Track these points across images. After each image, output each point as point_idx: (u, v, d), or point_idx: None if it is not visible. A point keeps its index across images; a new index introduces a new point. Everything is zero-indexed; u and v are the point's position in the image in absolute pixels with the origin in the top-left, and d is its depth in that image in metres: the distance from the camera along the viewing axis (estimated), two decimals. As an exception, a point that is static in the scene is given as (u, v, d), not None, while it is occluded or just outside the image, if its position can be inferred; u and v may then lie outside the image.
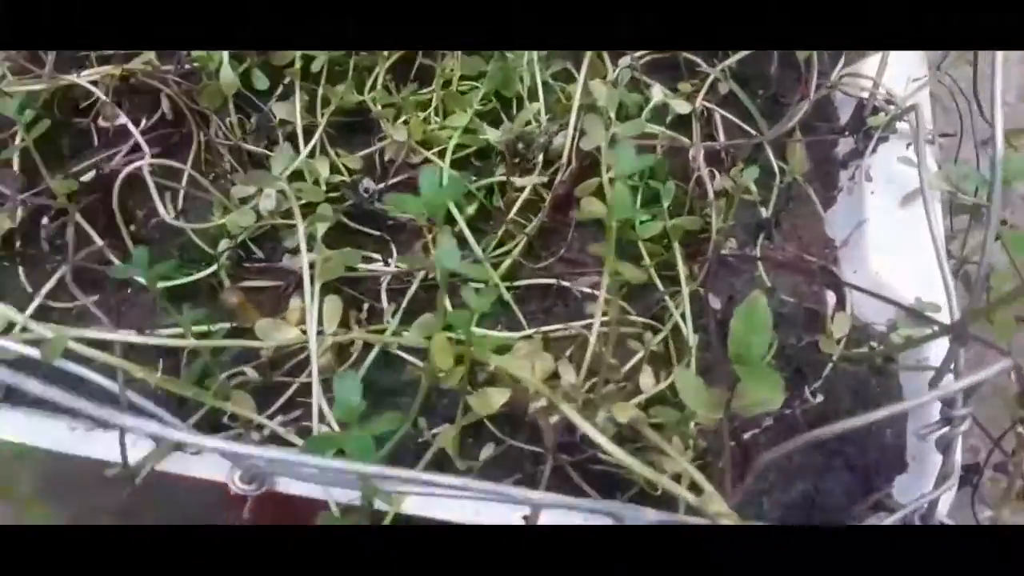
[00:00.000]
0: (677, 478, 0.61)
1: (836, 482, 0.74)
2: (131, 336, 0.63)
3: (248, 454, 0.47)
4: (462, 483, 0.49)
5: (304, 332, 0.69)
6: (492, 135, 0.82)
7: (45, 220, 0.80)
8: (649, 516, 0.51)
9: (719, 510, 0.51)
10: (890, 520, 0.64)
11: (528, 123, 0.86)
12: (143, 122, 0.85)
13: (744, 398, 0.51)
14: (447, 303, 0.69)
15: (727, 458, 0.55)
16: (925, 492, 0.70)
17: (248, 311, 0.72)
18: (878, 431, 0.75)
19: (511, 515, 0.68)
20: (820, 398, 0.74)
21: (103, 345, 0.61)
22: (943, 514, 0.68)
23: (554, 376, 0.72)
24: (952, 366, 0.61)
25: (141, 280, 0.73)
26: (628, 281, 0.78)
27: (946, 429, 0.62)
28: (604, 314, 0.65)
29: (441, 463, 0.72)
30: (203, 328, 0.76)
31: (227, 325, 0.75)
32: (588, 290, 0.80)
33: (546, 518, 0.68)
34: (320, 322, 0.71)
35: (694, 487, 0.54)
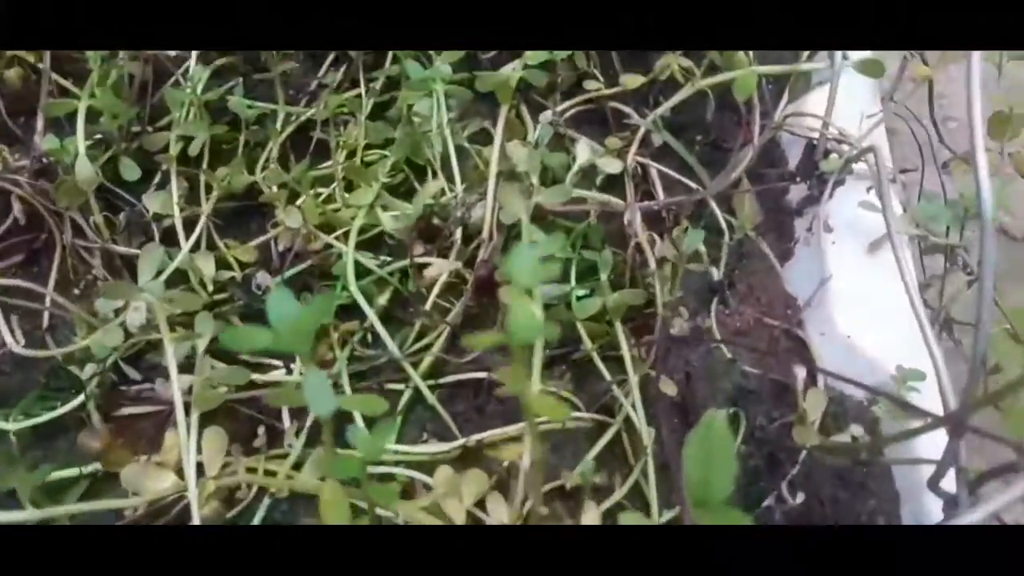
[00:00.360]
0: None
1: (828, 586, 0.63)
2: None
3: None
4: None
5: (182, 477, 0.58)
6: (388, 223, 0.71)
7: None
8: None
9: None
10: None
11: (441, 195, 0.76)
12: (-6, 233, 0.73)
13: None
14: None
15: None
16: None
17: (115, 452, 0.60)
18: (869, 521, 0.65)
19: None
20: (800, 497, 0.63)
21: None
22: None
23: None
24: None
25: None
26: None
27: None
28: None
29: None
30: (71, 473, 0.64)
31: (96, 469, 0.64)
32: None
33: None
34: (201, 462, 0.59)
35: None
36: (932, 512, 0.62)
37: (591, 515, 0.53)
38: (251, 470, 0.60)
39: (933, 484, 0.52)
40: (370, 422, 0.62)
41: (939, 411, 0.51)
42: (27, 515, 0.51)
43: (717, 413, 0.41)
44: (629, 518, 0.41)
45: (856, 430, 0.63)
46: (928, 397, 0.64)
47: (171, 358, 0.59)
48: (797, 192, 0.82)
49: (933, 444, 0.58)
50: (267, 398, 0.63)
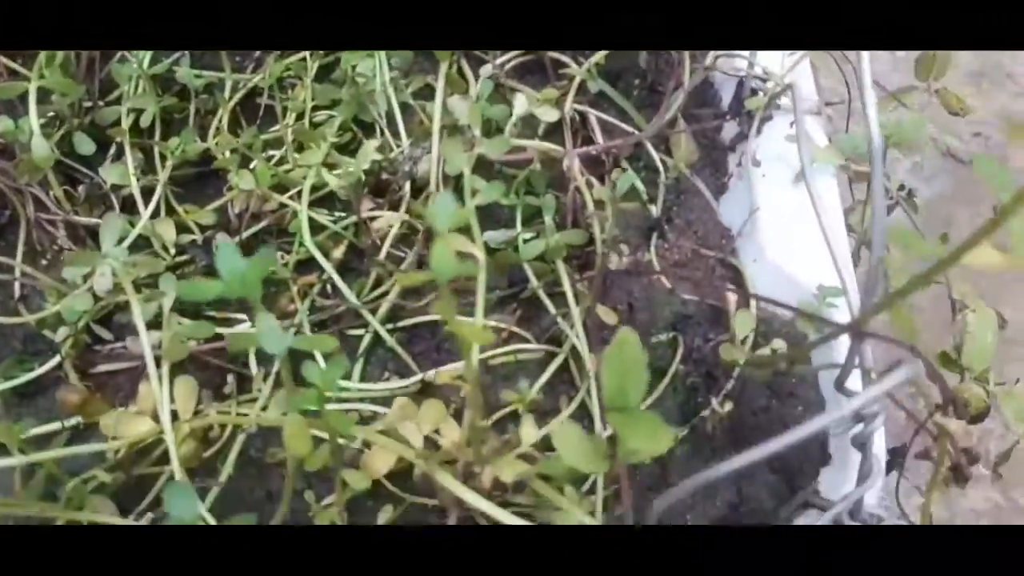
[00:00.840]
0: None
1: (760, 486, 0.69)
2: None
3: None
4: None
5: (157, 421, 0.62)
6: (332, 180, 0.75)
7: None
8: None
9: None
10: (821, 520, 0.60)
11: (389, 151, 0.79)
12: (-44, 210, 0.75)
13: (629, 446, 0.45)
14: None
15: (626, 504, 0.50)
16: (851, 486, 0.67)
17: (93, 405, 0.64)
18: (796, 423, 0.71)
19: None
20: (730, 406, 0.69)
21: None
22: (872, 506, 0.65)
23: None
24: (858, 361, 0.56)
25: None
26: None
27: (860, 427, 0.58)
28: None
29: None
30: (54, 426, 0.68)
31: (77, 421, 0.68)
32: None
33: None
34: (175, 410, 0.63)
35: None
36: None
37: (528, 428, 0.58)
38: (223, 414, 0.64)
39: (839, 384, 0.57)
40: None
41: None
42: (15, 460, 0.55)
43: (629, 331, 0.46)
44: (561, 428, 0.46)
45: (778, 344, 0.69)
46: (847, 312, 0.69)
47: (138, 316, 0.63)
48: (731, 129, 0.87)
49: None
50: (229, 344, 0.67)
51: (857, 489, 0.59)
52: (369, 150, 0.74)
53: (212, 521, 0.60)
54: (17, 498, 0.57)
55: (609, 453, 0.47)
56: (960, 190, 1.80)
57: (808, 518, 0.66)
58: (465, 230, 0.67)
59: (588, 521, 0.48)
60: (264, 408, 0.67)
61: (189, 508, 0.44)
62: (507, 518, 0.47)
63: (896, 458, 0.69)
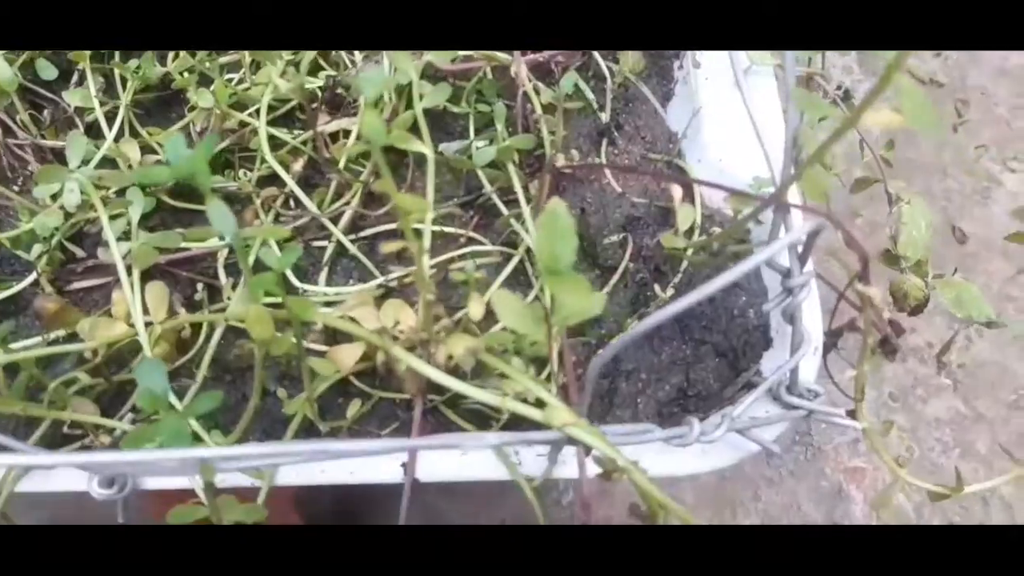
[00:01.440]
0: (519, 396, 0.60)
1: (707, 371, 0.74)
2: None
3: (95, 462, 0.44)
4: (317, 447, 0.48)
5: (132, 326, 0.66)
6: (283, 84, 0.77)
7: None
8: (489, 439, 0.50)
9: (565, 420, 0.50)
10: (755, 394, 0.64)
11: (344, 68, 0.82)
12: (-76, 135, 0.77)
13: (563, 310, 0.49)
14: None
15: (568, 369, 0.54)
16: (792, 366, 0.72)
17: (69, 314, 0.67)
18: (741, 314, 0.75)
19: (389, 465, 0.66)
20: (671, 292, 0.73)
21: None
22: (810, 382, 0.69)
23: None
24: (781, 235, 0.60)
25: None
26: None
27: (789, 299, 0.63)
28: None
29: (311, 428, 0.69)
30: (37, 339, 0.71)
31: (57, 336, 0.71)
32: (436, 228, 0.77)
33: (423, 462, 0.67)
34: (147, 312, 0.67)
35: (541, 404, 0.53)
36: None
37: (475, 306, 0.61)
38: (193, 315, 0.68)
39: (769, 262, 0.61)
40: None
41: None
42: (-3, 359, 0.58)
43: (558, 201, 0.49)
44: (500, 296, 0.50)
45: (714, 231, 0.73)
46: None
47: (107, 226, 0.66)
48: (676, 38, 0.89)
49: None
50: (187, 235, 0.70)
51: (790, 360, 0.64)
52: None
53: (177, 404, 0.64)
54: (2, 397, 0.60)
55: (544, 316, 0.51)
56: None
57: (751, 397, 0.71)
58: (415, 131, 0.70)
59: (531, 384, 0.52)
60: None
61: (159, 381, 0.48)
62: (462, 387, 0.51)
63: (831, 336, 0.73)
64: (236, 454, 0.51)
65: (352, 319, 0.63)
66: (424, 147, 0.59)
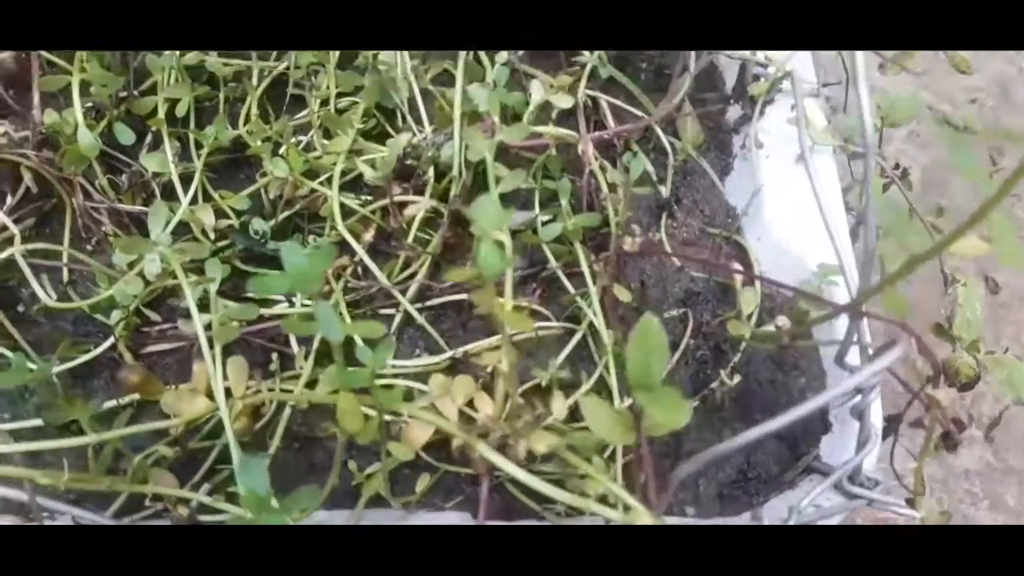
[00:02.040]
0: (602, 497, 0.61)
1: (766, 453, 0.75)
2: (29, 445, 0.60)
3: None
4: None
5: (213, 400, 0.67)
6: (368, 172, 0.79)
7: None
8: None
9: (647, 524, 0.52)
10: (822, 487, 0.66)
11: (412, 136, 0.83)
12: (8, 199, 0.79)
13: (652, 420, 0.51)
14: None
15: (648, 473, 0.55)
16: (851, 452, 0.73)
17: (151, 384, 0.69)
18: (800, 397, 0.77)
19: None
20: (738, 378, 0.74)
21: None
22: (870, 471, 0.71)
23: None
24: (855, 338, 0.62)
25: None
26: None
27: (858, 398, 0.64)
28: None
29: (380, 499, 0.71)
30: (111, 404, 0.73)
31: (133, 399, 0.73)
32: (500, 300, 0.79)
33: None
34: (228, 387, 0.69)
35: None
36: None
37: (558, 403, 0.63)
38: (275, 391, 0.70)
39: (839, 360, 0.63)
40: (370, 343, 0.71)
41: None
42: (88, 439, 0.60)
43: (651, 316, 0.51)
44: (589, 402, 0.51)
45: (781, 320, 0.74)
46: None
47: (191, 300, 0.68)
48: (734, 112, 0.91)
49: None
50: (283, 326, 0.72)
51: (855, 456, 0.65)
52: (401, 141, 0.79)
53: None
54: (90, 473, 0.62)
55: (632, 425, 0.52)
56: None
57: (811, 482, 0.72)
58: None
59: (613, 488, 0.53)
60: (308, 384, 0.72)
61: (261, 481, 0.50)
62: (542, 486, 0.53)
63: (892, 424, 0.74)
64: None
65: (428, 401, 0.65)
66: (506, 237, 0.60)
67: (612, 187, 0.79)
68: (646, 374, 0.50)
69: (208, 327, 0.71)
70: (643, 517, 0.52)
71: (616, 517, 0.53)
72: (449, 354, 0.76)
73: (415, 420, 0.66)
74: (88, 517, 0.62)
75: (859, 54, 0.57)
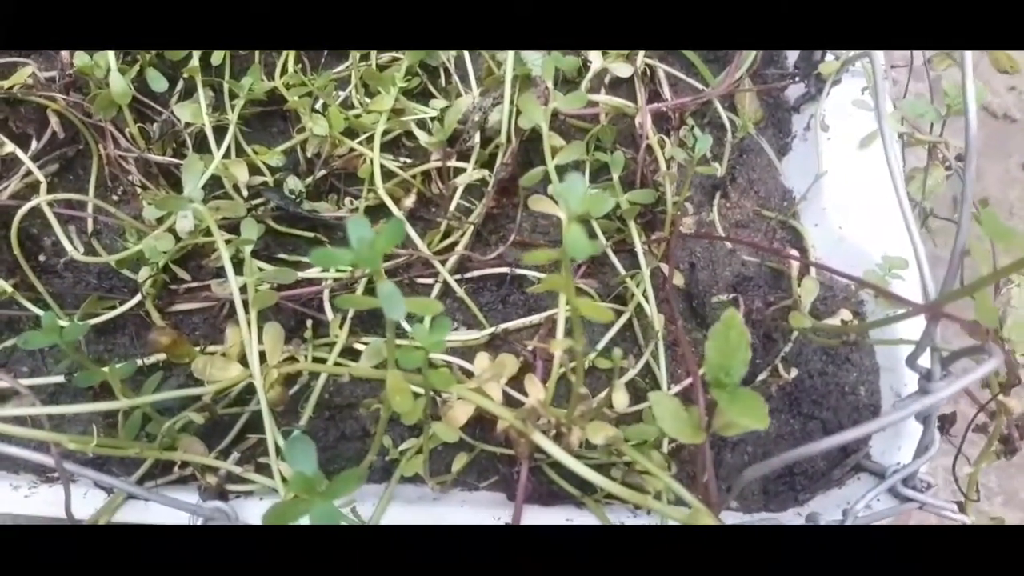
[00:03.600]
0: (659, 493, 0.59)
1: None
2: (60, 408, 0.57)
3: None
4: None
5: (245, 366, 0.64)
6: (422, 136, 0.75)
7: (-63, 268, 0.72)
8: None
9: (706, 523, 0.49)
10: (878, 490, 0.63)
11: (457, 96, 0.79)
12: (33, 144, 0.75)
13: (725, 420, 0.48)
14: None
15: (710, 473, 0.52)
16: (903, 451, 0.70)
17: (181, 347, 0.66)
18: (852, 391, 0.74)
19: (490, 521, 0.66)
20: (794, 372, 0.71)
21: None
22: (922, 473, 0.68)
23: (521, 373, 0.69)
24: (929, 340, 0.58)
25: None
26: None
27: (924, 400, 0.61)
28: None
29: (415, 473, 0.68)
30: (137, 363, 0.70)
31: (158, 359, 0.70)
32: (544, 275, 0.76)
33: (527, 522, 0.66)
34: (262, 352, 0.65)
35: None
36: (908, 384, 0.71)
37: (619, 394, 0.60)
38: (314, 361, 0.67)
39: (911, 361, 0.60)
40: (412, 317, 0.68)
41: (918, 297, 0.58)
42: (120, 404, 0.57)
43: (735, 312, 0.48)
44: (658, 397, 0.48)
45: (845, 315, 0.71)
46: (909, 283, 0.71)
47: (227, 261, 0.64)
48: (795, 90, 0.87)
49: (910, 324, 0.66)
50: (338, 303, 0.69)
51: (916, 461, 0.62)
52: (461, 106, 0.75)
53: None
54: (118, 439, 0.59)
55: (702, 425, 0.49)
56: (991, 145, 1.79)
57: (861, 482, 0.69)
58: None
59: (675, 486, 0.51)
60: (342, 353, 0.69)
61: (309, 461, 0.47)
62: (600, 479, 0.50)
63: (944, 425, 0.72)
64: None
65: (477, 383, 0.62)
66: (562, 212, 0.57)
67: (669, 163, 0.75)
68: (726, 373, 0.47)
69: (242, 290, 0.67)
70: (704, 516, 0.50)
71: (675, 515, 0.50)
72: (490, 330, 0.72)
73: (459, 400, 0.64)
74: (114, 483, 0.60)
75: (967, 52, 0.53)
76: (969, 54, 0.50)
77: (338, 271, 0.75)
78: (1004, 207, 1.83)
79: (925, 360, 0.61)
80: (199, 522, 0.61)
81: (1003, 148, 1.78)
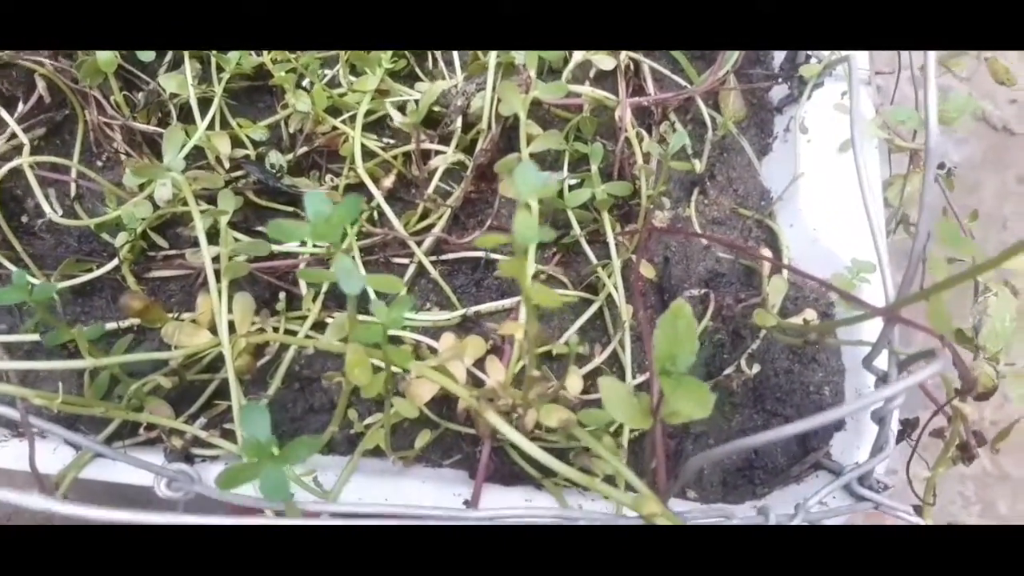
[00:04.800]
0: (610, 478, 0.60)
1: (775, 444, 0.73)
2: (26, 363, 0.58)
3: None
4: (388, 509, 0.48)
5: (215, 334, 0.65)
6: (397, 117, 0.76)
7: (-83, 223, 0.73)
8: (594, 518, 0.50)
9: (653, 511, 0.50)
10: (832, 486, 0.64)
11: (441, 94, 0.79)
12: (19, 106, 0.76)
13: (672, 407, 0.48)
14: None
15: (660, 459, 0.53)
16: (862, 451, 0.71)
17: (153, 312, 0.67)
18: (816, 390, 0.75)
19: (450, 499, 0.67)
20: (757, 367, 0.72)
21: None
22: (880, 475, 0.69)
23: (488, 356, 0.70)
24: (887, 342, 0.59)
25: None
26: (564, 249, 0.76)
27: (880, 403, 0.62)
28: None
29: (376, 448, 0.69)
30: (111, 326, 0.71)
31: (133, 323, 0.71)
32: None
33: (486, 501, 0.67)
34: (231, 322, 0.66)
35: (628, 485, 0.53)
36: (870, 386, 0.71)
37: (574, 379, 0.61)
38: (280, 332, 0.68)
39: (867, 362, 0.60)
40: (384, 295, 0.69)
41: (880, 302, 0.59)
42: (86, 363, 0.58)
43: (684, 303, 0.48)
44: (607, 383, 0.49)
45: (809, 314, 0.71)
46: (876, 287, 0.72)
47: (200, 230, 0.65)
48: (779, 91, 0.87)
49: (874, 327, 0.66)
50: (299, 275, 0.70)
51: (871, 460, 0.63)
52: (436, 90, 0.75)
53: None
54: (84, 398, 0.60)
55: (650, 410, 0.50)
56: (990, 157, 1.80)
57: (817, 479, 0.70)
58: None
59: (623, 471, 0.52)
60: (314, 327, 0.70)
61: (263, 428, 0.48)
62: (551, 461, 0.51)
63: (906, 429, 0.72)
64: (323, 508, 0.51)
65: (439, 362, 0.63)
66: (534, 202, 0.58)
67: (647, 157, 0.76)
68: (672, 360, 0.47)
69: (216, 260, 0.68)
70: (650, 502, 0.51)
71: (623, 499, 0.51)
72: (460, 312, 0.73)
73: (422, 377, 0.64)
74: (81, 441, 0.61)
75: (930, 55, 0.54)
76: (932, 59, 0.51)
77: (315, 246, 0.76)
78: (998, 220, 1.83)
79: (883, 363, 0.62)
80: (163, 483, 0.62)
81: (1001, 161, 1.78)
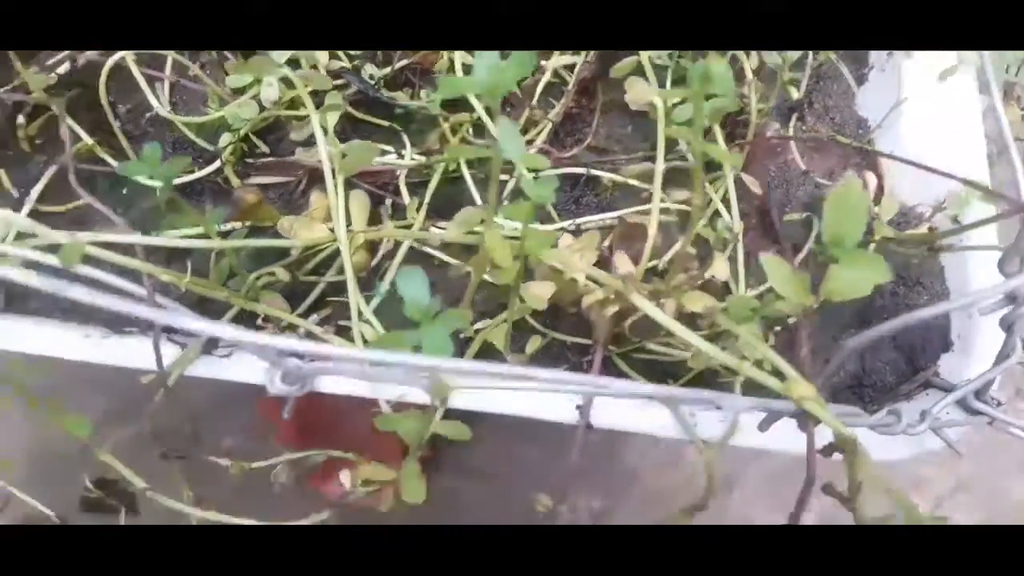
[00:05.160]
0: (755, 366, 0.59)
1: (883, 362, 0.73)
2: (154, 239, 0.57)
3: (290, 350, 0.43)
4: (528, 372, 0.47)
5: (332, 230, 0.64)
6: None
7: (21, 119, 0.71)
8: (741, 403, 0.49)
9: (804, 394, 0.50)
10: (949, 399, 0.63)
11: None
12: (119, 2, 0.75)
13: (837, 282, 0.48)
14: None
15: (804, 343, 0.53)
16: (970, 371, 0.70)
17: (265, 210, 0.66)
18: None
19: (564, 406, 0.66)
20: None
21: (118, 249, 0.55)
22: (994, 389, 0.68)
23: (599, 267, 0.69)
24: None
25: (138, 180, 0.67)
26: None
27: (1009, 308, 0.61)
28: (662, 200, 0.61)
29: (485, 357, 0.68)
30: (223, 229, 0.70)
31: (242, 225, 0.70)
32: (620, 179, 0.76)
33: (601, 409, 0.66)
34: (348, 219, 0.65)
35: (776, 373, 0.52)
36: (974, 313, 0.70)
37: (719, 263, 0.60)
38: (396, 228, 0.67)
39: (1002, 264, 0.60)
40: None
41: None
42: (212, 244, 0.57)
43: (855, 178, 0.48)
44: (770, 258, 0.48)
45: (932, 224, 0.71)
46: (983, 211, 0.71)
47: (316, 123, 0.64)
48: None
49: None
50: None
51: (992, 369, 0.62)
52: None
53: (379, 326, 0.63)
54: (209, 280, 0.59)
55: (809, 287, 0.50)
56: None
57: (929, 397, 0.70)
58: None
59: (769, 354, 0.51)
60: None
61: (423, 292, 0.47)
62: (702, 343, 0.50)
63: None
64: (470, 368, 0.50)
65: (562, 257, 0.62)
66: (656, 97, 0.57)
67: (756, 72, 0.75)
68: (842, 233, 0.47)
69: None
70: (801, 385, 0.50)
71: (773, 384, 0.50)
72: (560, 224, 0.72)
73: (540, 275, 0.64)
74: (204, 326, 0.59)
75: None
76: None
77: (413, 158, 0.75)
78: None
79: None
80: (278, 375, 0.61)
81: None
